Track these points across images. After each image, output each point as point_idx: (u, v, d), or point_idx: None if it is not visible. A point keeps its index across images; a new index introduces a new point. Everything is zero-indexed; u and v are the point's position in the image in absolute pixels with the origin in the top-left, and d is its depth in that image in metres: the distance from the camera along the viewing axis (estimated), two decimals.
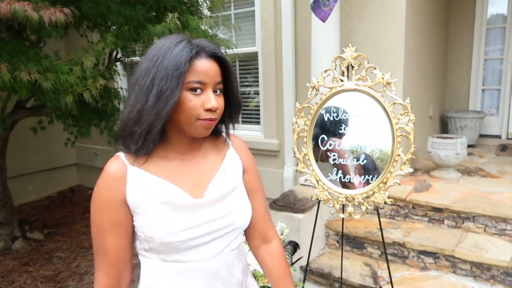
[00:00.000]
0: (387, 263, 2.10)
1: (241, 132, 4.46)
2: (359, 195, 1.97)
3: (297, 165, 2.12)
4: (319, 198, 2.07)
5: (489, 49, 4.87)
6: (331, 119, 2.04)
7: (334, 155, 2.03)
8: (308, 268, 2.97)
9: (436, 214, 3.00)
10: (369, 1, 3.42)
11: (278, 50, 3.95)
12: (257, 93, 4.32)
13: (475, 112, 4.68)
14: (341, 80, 2.00)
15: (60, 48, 2.84)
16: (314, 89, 2.06)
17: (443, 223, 2.98)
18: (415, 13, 3.50)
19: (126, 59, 3.27)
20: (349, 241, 3.12)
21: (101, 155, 5.71)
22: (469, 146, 4.58)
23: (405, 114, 1.88)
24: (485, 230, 2.81)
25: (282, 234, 2.34)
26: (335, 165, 2.04)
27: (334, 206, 2.03)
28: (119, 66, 4.66)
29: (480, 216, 2.83)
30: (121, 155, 0.96)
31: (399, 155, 1.90)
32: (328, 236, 3.21)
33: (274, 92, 4.06)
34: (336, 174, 2.03)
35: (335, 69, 2.03)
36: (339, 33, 3.13)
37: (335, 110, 2.03)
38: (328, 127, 2.05)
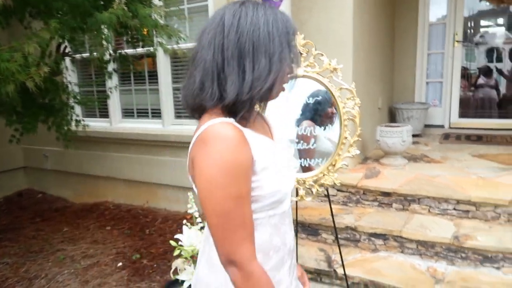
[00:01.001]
0: (339, 247, 2.19)
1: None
2: (309, 178, 2.04)
3: None
4: None
5: (431, 44, 5.17)
6: (280, 106, 2.09)
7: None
8: None
9: (385, 198, 3.16)
10: None
11: None
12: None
13: (420, 104, 4.95)
14: None
15: (3, 41, 2.70)
16: None
17: (392, 207, 3.14)
18: (362, 8, 3.65)
19: (76, 54, 3.15)
20: (304, 229, 3.20)
21: (51, 157, 5.46)
22: (415, 135, 4.84)
23: (351, 98, 1.97)
24: (429, 211, 2.99)
25: None
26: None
27: None
28: (68, 61, 4.50)
29: (424, 198, 3.00)
30: (228, 120, 0.89)
31: (346, 137, 1.98)
32: None
33: None
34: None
35: None
36: None
37: (285, 96, 2.08)
38: (278, 115, 2.10)
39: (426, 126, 5.05)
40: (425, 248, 2.74)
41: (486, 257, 2.57)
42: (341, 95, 1.99)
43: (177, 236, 2.04)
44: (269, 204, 0.95)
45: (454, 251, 2.65)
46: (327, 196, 2.16)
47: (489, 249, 2.55)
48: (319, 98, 2.00)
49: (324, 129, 2.02)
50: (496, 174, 3.23)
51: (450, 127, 5.05)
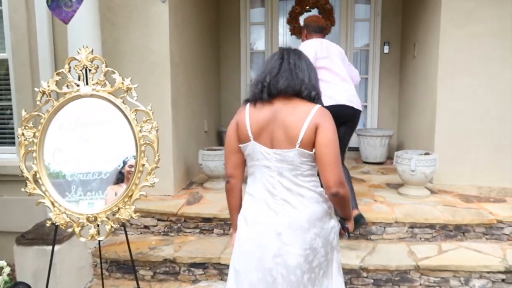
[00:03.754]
0: (137, 282, 1.93)
1: None
2: (102, 214, 1.75)
3: (26, 186, 1.75)
4: (56, 223, 1.75)
5: (254, 71, 5.49)
6: (66, 128, 1.76)
7: (72, 170, 1.76)
8: None
9: (206, 224, 3.06)
10: (134, 12, 3.32)
11: (34, 58, 3.41)
12: (9, 108, 3.62)
13: None
14: (77, 85, 1.76)
15: None
16: (45, 95, 1.75)
17: (213, 232, 3.06)
18: (180, 29, 3.58)
19: None
20: (120, 267, 2.84)
21: None
22: None
23: (148, 121, 1.77)
24: None
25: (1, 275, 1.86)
26: (73, 182, 1.77)
27: (73, 230, 1.75)
28: None
29: None
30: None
31: (143, 165, 1.77)
32: (96, 265, 2.85)
33: (32, 108, 3.47)
34: (75, 192, 1.76)
35: (69, 71, 1.77)
36: (100, 42, 2.88)
37: (70, 118, 1.77)
38: (63, 138, 1.76)
39: None
40: None
41: None
42: (137, 118, 1.78)
43: None
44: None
45: None
46: (125, 232, 1.90)
47: None
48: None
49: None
50: None
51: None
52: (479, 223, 2.87)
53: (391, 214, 2.94)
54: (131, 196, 1.76)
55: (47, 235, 2.57)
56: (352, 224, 1.68)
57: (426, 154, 3.39)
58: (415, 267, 2.57)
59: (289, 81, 1.49)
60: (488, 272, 2.55)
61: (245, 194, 1.63)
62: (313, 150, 1.45)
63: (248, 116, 1.53)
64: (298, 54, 1.59)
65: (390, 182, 3.83)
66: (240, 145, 1.56)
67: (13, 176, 3.44)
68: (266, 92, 1.50)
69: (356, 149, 5.01)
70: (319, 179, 1.51)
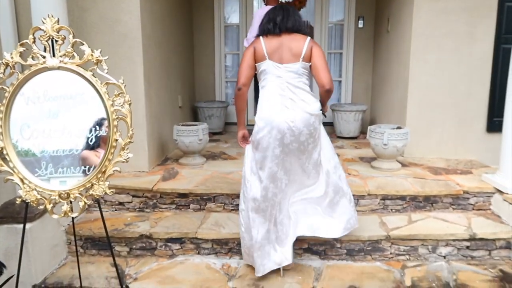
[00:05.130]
0: (113, 257, 1.92)
1: None
2: (75, 190, 1.71)
3: None
4: (26, 200, 1.70)
5: (228, 44, 5.39)
6: (34, 102, 1.69)
7: (42, 147, 1.70)
8: (43, 286, 2.51)
9: (182, 200, 3.05)
10: None
11: None
12: None
13: (220, 102, 5.11)
14: (43, 57, 1.68)
15: None
16: (8, 67, 1.66)
17: (189, 208, 3.05)
18: (151, 0, 3.45)
19: None
20: (94, 244, 2.81)
21: None
22: (217, 133, 4.98)
23: (120, 95, 1.72)
24: (224, 207, 3.03)
25: None
26: (44, 158, 1.71)
27: (45, 207, 1.70)
28: None
29: (219, 195, 3.02)
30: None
31: (116, 140, 1.73)
32: (70, 242, 2.81)
33: None
34: (46, 168, 1.70)
35: (33, 42, 1.68)
36: (66, 12, 2.73)
37: (37, 92, 1.69)
38: (31, 113, 1.69)
39: (227, 123, 5.25)
40: (220, 246, 2.74)
41: None
42: (109, 91, 1.72)
43: None
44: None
45: None
46: (99, 208, 1.86)
47: None
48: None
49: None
50: None
51: (247, 124, 5.36)
52: (446, 194, 2.99)
53: (364, 187, 3.02)
54: (104, 172, 1.72)
55: (17, 213, 2.50)
56: (326, 110, 2.55)
57: (398, 128, 3.47)
58: (386, 237, 2.67)
59: (294, 22, 2.33)
60: (454, 240, 2.68)
61: (260, 103, 2.36)
62: (310, 63, 2.30)
63: (263, 43, 2.31)
64: (292, 7, 2.40)
65: (363, 156, 3.92)
66: (257, 64, 2.33)
67: None
68: (277, 28, 2.31)
69: (331, 124, 5.06)
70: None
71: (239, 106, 2.42)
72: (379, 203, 2.99)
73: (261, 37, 2.33)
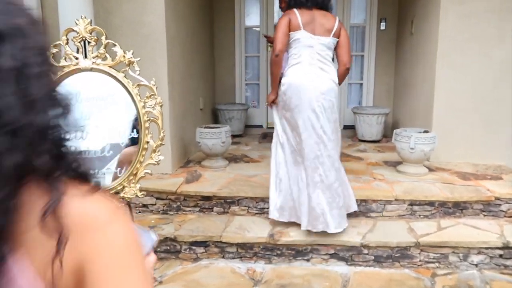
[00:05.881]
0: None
1: None
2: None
3: None
4: None
5: (248, 47, 5.37)
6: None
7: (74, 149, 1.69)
8: None
9: (206, 203, 3.03)
10: None
11: None
12: None
13: (241, 105, 5.09)
14: (76, 58, 1.67)
15: None
16: None
17: (213, 211, 3.03)
18: (175, 1, 3.45)
19: None
20: None
21: None
22: (237, 136, 4.95)
23: (152, 97, 1.70)
24: (248, 211, 2.99)
25: None
26: None
27: None
28: None
29: (243, 198, 2.99)
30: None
31: (148, 142, 1.71)
32: None
33: None
34: None
35: (66, 43, 1.68)
36: (92, 15, 2.76)
37: (71, 94, 1.68)
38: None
39: (247, 126, 5.23)
40: (244, 250, 2.71)
41: (298, 251, 2.68)
42: (141, 93, 1.70)
43: None
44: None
45: (270, 249, 2.69)
46: (129, 208, 1.84)
47: (300, 243, 2.66)
48: None
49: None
50: None
51: (268, 127, 5.34)
52: (477, 200, 2.90)
53: (391, 192, 2.95)
54: (135, 174, 1.70)
55: None
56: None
57: (425, 132, 3.38)
58: (415, 244, 2.59)
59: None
60: (486, 248, 2.59)
61: (291, 69, 2.55)
62: (338, 39, 2.54)
63: (298, 14, 2.49)
64: None
65: (387, 160, 3.84)
66: (291, 32, 2.50)
67: None
68: (309, 3, 2.51)
69: (352, 127, 4.99)
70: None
71: (275, 72, 2.61)
72: (406, 209, 2.92)
73: (295, 9, 2.51)
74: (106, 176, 1.73)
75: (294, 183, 2.67)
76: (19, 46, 0.48)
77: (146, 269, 0.55)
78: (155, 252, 1.01)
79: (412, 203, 2.91)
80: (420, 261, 2.61)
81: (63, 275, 0.47)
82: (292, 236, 2.68)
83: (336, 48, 2.58)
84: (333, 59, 2.67)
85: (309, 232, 2.69)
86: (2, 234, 0.44)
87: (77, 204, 0.50)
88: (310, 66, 2.51)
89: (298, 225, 2.84)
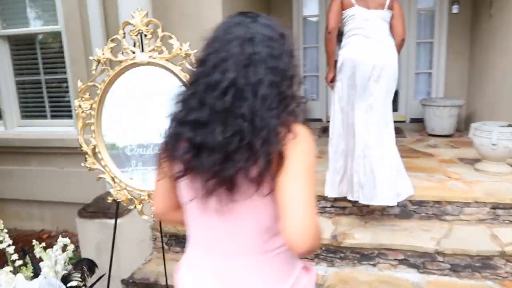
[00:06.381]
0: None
1: (49, 128, 3.71)
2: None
3: (86, 160, 1.67)
4: (117, 199, 1.66)
5: (306, 38, 5.17)
6: (124, 99, 1.65)
7: (131, 145, 1.65)
8: (130, 281, 2.55)
9: None
10: None
11: (85, 29, 3.35)
12: (65, 81, 3.63)
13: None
14: (133, 52, 1.63)
15: None
16: (100, 64, 1.64)
17: None
18: None
19: None
20: (179, 241, 2.80)
21: None
22: None
23: None
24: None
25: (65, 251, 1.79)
26: (133, 156, 1.66)
27: (135, 207, 1.66)
28: None
29: None
30: None
31: None
32: (155, 239, 2.83)
33: (86, 80, 3.45)
34: (136, 165, 1.66)
35: (123, 37, 1.64)
36: (151, 9, 2.75)
37: (127, 88, 1.64)
38: (121, 110, 1.65)
39: (307, 120, 5.03)
40: None
41: (363, 255, 2.49)
42: None
43: None
44: None
45: (333, 252, 2.53)
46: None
47: (365, 246, 2.47)
48: None
49: None
50: None
51: (327, 121, 5.10)
52: None
53: (470, 193, 2.64)
54: None
55: (108, 208, 2.55)
56: None
57: (509, 126, 3.00)
58: (500, 253, 2.29)
59: None
60: None
61: (347, 45, 2.55)
62: (392, 12, 2.53)
63: None
64: None
65: (463, 156, 3.48)
66: (344, 11, 2.52)
67: (71, 149, 3.48)
68: None
69: (420, 121, 4.62)
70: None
71: (330, 48, 2.61)
72: (488, 212, 2.60)
73: None
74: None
75: (347, 155, 2.70)
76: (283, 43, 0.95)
77: (312, 166, 0.90)
78: None
79: (494, 206, 2.58)
80: (506, 272, 2.30)
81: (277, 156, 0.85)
82: (357, 239, 2.50)
83: (390, 20, 2.56)
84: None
85: (375, 234, 2.48)
86: (269, 154, 0.83)
87: (299, 128, 0.89)
88: (367, 40, 2.50)
89: (362, 226, 2.65)
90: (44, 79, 3.73)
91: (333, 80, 2.71)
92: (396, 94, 3.70)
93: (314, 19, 5.15)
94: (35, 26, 3.66)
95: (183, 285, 1.03)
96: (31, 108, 3.85)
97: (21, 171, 3.73)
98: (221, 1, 3.09)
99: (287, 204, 0.83)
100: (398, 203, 2.54)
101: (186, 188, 0.94)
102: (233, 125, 0.83)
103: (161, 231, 2.32)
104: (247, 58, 0.86)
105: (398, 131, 4.09)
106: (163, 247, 2.29)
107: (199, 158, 0.85)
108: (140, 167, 1.68)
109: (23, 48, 3.73)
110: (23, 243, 3.70)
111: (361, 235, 2.52)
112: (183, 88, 0.96)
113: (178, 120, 0.90)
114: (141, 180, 1.70)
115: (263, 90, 0.85)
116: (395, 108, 4.21)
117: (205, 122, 0.85)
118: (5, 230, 1.55)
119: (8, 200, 3.86)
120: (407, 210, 2.70)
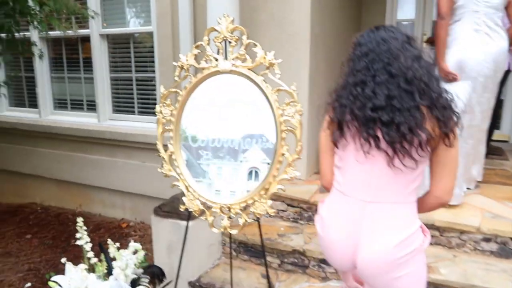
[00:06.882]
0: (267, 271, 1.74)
1: (136, 124, 3.90)
2: (236, 205, 1.57)
3: (162, 166, 1.66)
4: (189, 209, 1.63)
5: None
6: (204, 107, 1.61)
7: (207, 154, 1.61)
8: (197, 284, 2.55)
9: None
10: None
11: (175, 31, 3.44)
12: (154, 79, 3.78)
13: None
14: (216, 60, 1.58)
15: None
16: (183, 70, 1.61)
17: None
18: None
19: None
20: (247, 249, 2.75)
21: None
22: None
23: (291, 104, 1.50)
24: None
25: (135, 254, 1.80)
26: (208, 166, 1.62)
27: (206, 219, 1.61)
28: None
29: None
30: None
31: (283, 154, 1.52)
32: (225, 244, 2.81)
33: (172, 81, 3.56)
34: (210, 177, 1.61)
35: (208, 44, 1.59)
36: (238, 12, 2.72)
37: (207, 96, 1.60)
38: (201, 118, 1.61)
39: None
40: None
41: None
42: (279, 99, 1.53)
43: (56, 278, 1.53)
44: None
45: None
46: (259, 227, 1.70)
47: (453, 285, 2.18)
48: None
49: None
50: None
51: None
52: None
53: None
54: (267, 189, 1.53)
55: None
56: None
57: None
58: None
59: None
60: None
61: (454, 37, 2.43)
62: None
63: None
64: None
65: None
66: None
67: (153, 145, 3.61)
68: None
69: None
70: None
71: (442, 35, 2.43)
72: None
73: None
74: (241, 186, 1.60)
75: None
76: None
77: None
78: None
79: None
80: None
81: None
82: (443, 275, 2.21)
83: (506, 8, 2.42)
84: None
85: (466, 270, 2.18)
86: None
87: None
88: (476, 33, 2.38)
89: (449, 259, 2.36)
90: (135, 77, 3.93)
91: (449, 71, 2.48)
92: (498, 108, 3.30)
93: (409, 23, 4.77)
94: (132, 26, 3.86)
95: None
96: (121, 103, 4.08)
97: (108, 162, 3.97)
98: (310, 5, 2.96)
99: (444, 170, 1.24)
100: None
101: (353, 151, 1.32)
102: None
103: (230, 238, 2.28)
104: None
105: (499, 152, 3.61)
106: (231, 254, 2.24)
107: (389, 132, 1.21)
108: (220, 178, 1.62)
109: (119, 46, 3.96)
110: (105, 229, 3.97)
111: (447, 270, 2.23)
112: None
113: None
114: (228, 195, 1.62)
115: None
116: (497, 126, 3.74)
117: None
118: (84, 228, 1.59)
119: (96, 188, 4.14)
120: (507, 248, 2.34)
